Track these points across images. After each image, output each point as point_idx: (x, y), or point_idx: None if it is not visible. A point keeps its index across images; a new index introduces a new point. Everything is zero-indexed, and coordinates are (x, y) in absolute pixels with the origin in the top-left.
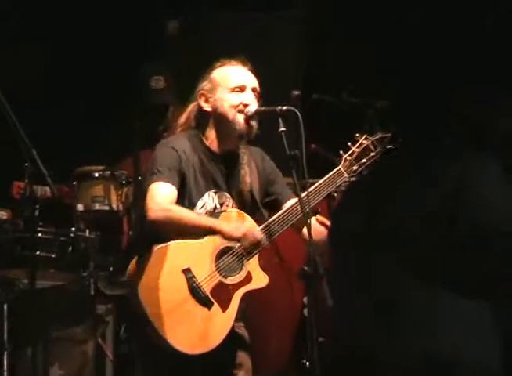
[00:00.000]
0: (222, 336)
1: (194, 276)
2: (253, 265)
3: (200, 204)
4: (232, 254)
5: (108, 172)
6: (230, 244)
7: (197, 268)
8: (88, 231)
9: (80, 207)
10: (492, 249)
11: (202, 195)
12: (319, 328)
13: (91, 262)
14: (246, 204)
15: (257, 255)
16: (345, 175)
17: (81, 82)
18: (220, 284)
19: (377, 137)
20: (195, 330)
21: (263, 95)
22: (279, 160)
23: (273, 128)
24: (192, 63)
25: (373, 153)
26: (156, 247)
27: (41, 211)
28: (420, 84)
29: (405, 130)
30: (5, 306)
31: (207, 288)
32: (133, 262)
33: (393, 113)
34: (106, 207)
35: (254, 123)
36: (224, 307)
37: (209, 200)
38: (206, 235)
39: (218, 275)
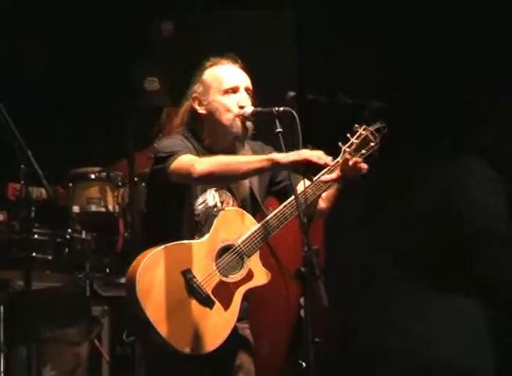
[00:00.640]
0: (225, 335)
1: (194, 277)
2: (254, 262)
3: (200, 200)
4: (232, 253)
5: (104, 174)
6: (230, 242)
7: (197, 268)
8: (83, 232)
9: (76, 208)
10: (481, 249)
11: (203, 191)
12: (315, 329)
13: (87, 263)
14: (247, 202)
15: (258, 252)
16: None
17: (76, 84)
18: (221, 283)
19: (376, 127)
20: (197, 330)
21: (258, 96)
22: None
23: (269, 129)
24: (185, 63)
25: (372, 144)
26: (155, 250)
27: (37, 212)
28: (416, 84)
29: (400, 131)
30: (1, 308)
31: (207, 288)
32: (132, 264)
33: (388, 113)
34: (102, 209)
35: (249, 124)
36: (226, 306)
37: (210, 197)
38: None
39: (218, 274)
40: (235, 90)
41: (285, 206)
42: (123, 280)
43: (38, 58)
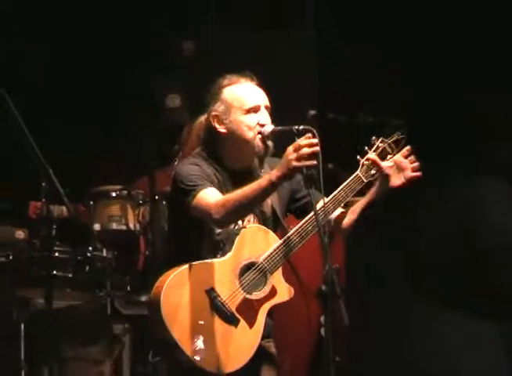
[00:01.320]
0: (251, 353)
1: (218, 295)
2: (277, 278)
3: None
4: (255, 270)
5: (125, 192)
6: (253, 259)
7: (221, 286)
8: (104, 250)
9: (97, 226)
10: (495, 267)
11: None
12: (335, 347)
13: (108, 281)
14: (268, 219)
15: (280, 269)
16: (363, 180)
17: (97, 101)
18: (245, 301)
19: (393, 139)
20: (223, 349)
21: (278, 114)
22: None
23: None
24: (204, 82)
25: (390, 156)
26: (177, 270)
27: (58, 230)
28: (435, 101)
29: (421, 148)
30: (22, 326)
31: (232, 306)
32: (156, 285)
33: (409, 131)
34: (123, 227)
35: (270, 143)
36: (250, 323)
37: None
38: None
39: (242, 291)
40: (256, 109)
41: (306, 222)
42: (144, 298)
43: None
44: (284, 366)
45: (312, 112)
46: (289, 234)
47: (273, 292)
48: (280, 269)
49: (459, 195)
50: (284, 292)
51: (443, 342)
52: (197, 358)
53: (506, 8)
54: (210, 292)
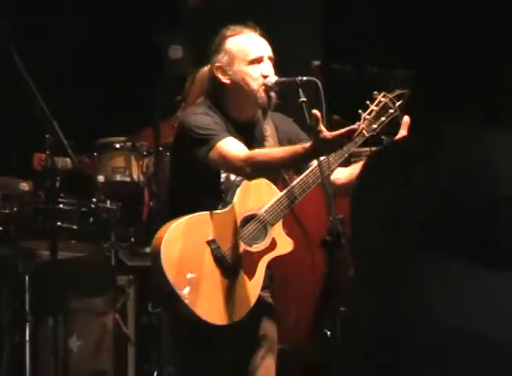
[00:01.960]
0: (250, 304)
1: (219, 247)
2: (277, 231)
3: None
4: (255, 222)
5: (129, 143)
6: (253, 211)
7: (221, 238)
8: (109, 202)
9: (101, 178)
10: (505, 216)
11: None
12: (341, 298)
13: (113, 232)
14: None
15: (281, 221)
16: (365, 134)
17: (100, 54)
18: (245, 253)
19: (396, 94)
20: (223, 300)
21: (282, 66)
22: None
23: (292, 99)
24: (208, 33)
25: (391, 110)
26: (179, 221)
27: (62, 182)
28: (445, 55)
29: (426, 101)
30: (27, 277)
31: (232, 258)
32: (157, 235)
33: (415, 83)
34: (127, 179)
35: (273, 94)
36: (250, 275)
37: None
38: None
39: (242, 243)
40: (259, 60)
41: (308, 174)
42: (148, 250)
43: (67, 26)
44: (290, 318)
45: (316, 63)
46: (290, 186)
47: (273, 245)
48: (281, 221)
49: (471, 150)
50: (284, 245)
51: (459, 296)
52: (196, 308)
53: None
54: (212, 243)
